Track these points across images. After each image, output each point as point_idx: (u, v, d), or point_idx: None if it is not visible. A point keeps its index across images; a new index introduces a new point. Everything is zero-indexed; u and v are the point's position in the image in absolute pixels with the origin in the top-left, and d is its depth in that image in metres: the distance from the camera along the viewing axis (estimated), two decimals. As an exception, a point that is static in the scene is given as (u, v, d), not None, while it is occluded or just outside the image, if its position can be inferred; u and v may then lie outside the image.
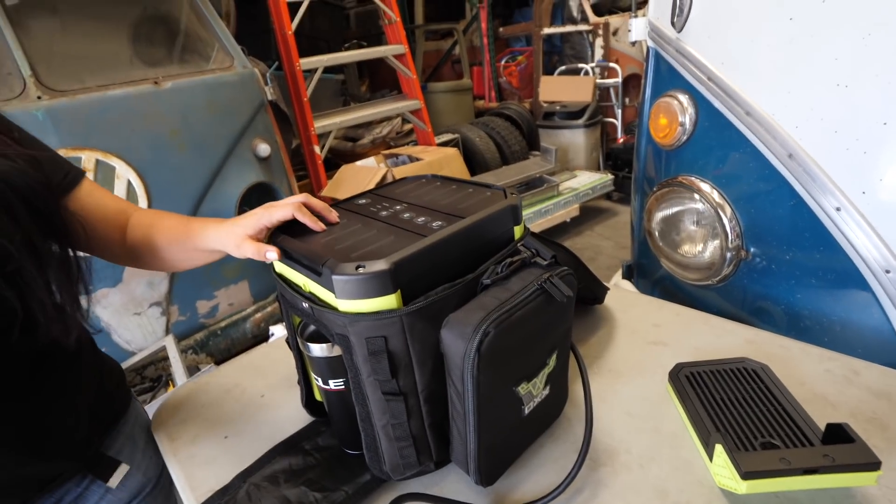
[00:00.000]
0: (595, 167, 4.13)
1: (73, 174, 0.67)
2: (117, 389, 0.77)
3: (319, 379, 0.64)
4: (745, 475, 0.50)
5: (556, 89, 4.23)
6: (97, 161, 1.73)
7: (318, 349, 0.61)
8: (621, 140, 4.07)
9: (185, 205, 1.91)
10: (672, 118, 1.15)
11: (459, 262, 0.58)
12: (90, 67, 1.83)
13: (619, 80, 4.13)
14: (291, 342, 0.70)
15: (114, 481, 0.70)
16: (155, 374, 1.83)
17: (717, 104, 1.05)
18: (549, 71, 4.70)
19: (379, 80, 5.64)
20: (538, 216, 3.36)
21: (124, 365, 1.76)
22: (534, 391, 0.59)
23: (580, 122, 3.95)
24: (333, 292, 0.53)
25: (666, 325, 0.86)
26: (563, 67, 4.56)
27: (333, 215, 0.67)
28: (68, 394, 0.66)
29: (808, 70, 0.88)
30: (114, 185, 1.75)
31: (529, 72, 5.03)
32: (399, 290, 0.52)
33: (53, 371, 0.64)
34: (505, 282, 0.56)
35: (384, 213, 0.68)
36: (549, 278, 0.55)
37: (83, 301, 0.61)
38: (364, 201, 0.74)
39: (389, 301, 0.52)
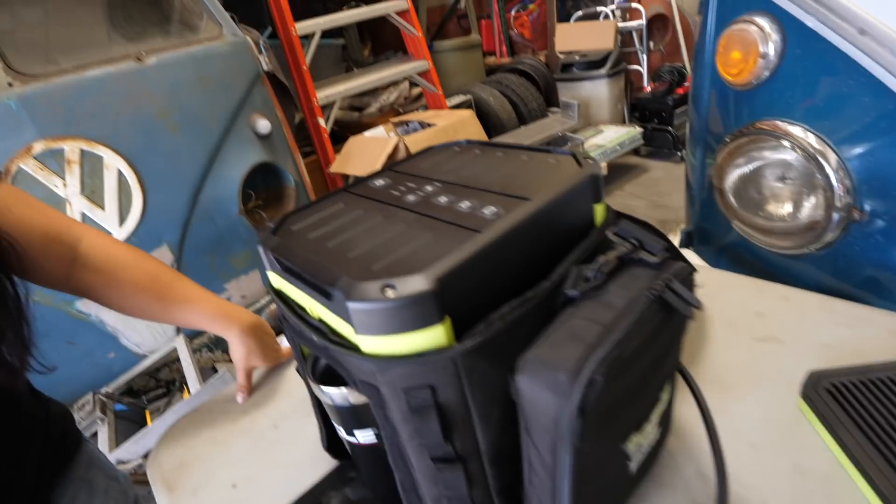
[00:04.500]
0: (620, 120, 3.84)
1: None
2: (63, 438, 0.65)
3: (342, 429, 0.48)
4: None
5: (574, 37, 3.89)
6: (82, 151, 1.56)
7: (337, 395, 0.45)
8: (648, 88, 3.75)
9: (184, 193, 1.74)
10: (749, 50, 0.93)
11: (525, 264, 0.40)
12: (63, 47, 1.64)
13: (643, 21, 3.77)
14: (302, 375, 0.54)
15: None
16: (170, 376, 1.72)
17: (813, 24, 0.83)
18: (564, 18, 4.35)
19: (381, 42, 5.31)
20: (563, 178, 3.13)
21: (136, 369, 1.65)
22: (644, 441, 0.42)
23: (602, 71, 3.63)
24: (351, 325, 0.36)
25: (773, 314, 0.68)
26: (579, 13, 4.19)
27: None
28: (8, 445, 0.55)
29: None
30: (103, 178, 1.59)
31: (542, 21, 4.67)
32: (448, 318, 0.35)
33: None
34: (599, 291, 0.39)
35: (411, 197, 0.50)
36: (668, 284, 0.37)
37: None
38: (382, 182, 0.56)
39: (436, 335, 0.35)
